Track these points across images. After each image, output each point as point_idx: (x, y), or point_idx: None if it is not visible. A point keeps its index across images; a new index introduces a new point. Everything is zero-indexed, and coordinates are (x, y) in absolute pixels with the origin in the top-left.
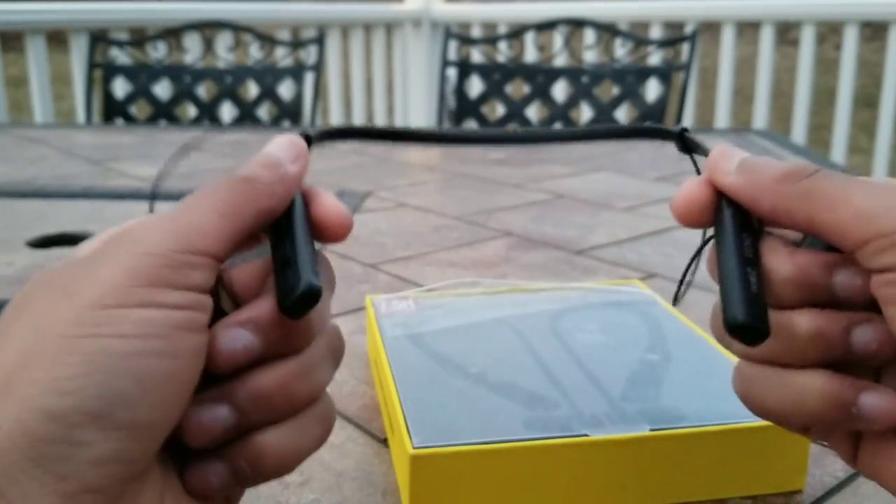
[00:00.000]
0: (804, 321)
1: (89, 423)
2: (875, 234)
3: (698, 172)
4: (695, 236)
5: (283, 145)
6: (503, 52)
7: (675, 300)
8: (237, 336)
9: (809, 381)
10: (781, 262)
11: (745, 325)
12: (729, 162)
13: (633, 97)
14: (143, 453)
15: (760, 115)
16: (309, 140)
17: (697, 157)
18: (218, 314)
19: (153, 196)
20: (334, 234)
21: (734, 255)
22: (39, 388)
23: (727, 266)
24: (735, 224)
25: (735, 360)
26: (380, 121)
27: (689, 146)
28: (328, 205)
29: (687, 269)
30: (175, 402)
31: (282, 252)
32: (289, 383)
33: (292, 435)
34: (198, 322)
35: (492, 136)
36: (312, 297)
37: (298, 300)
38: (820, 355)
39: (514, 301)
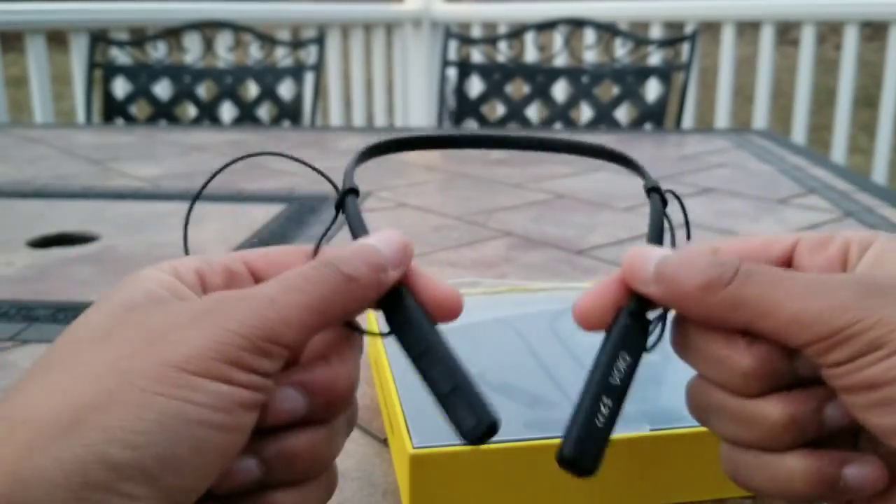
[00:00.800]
0: (775, 410)
1: (141, 479)
2: (813, 338)
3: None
4: (696, 236)
5: (393, 245)
6: (503, 52)
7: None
8: (289, 396)
9: (791, 463)
10: (741, 355)
11: (571, 461)
12: (644, 269)
13: (633, 97)
14: None
15: (760, 115)
16: (357, 193)
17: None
18: None
19: (192, 203)
20: (447, 316)
21: (596, 383)
22: (108, 436)
23: (583, 391)
24: (618, 339)
25: None
26: (379, 121)
27: (652, 199)
28: (439, 288)
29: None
30: (216, 472)
31: (436, 372)
32: (317, 448)
33: (302, 498)
34: (259, 402)
35: (505, 140)
36: (496, 431)
37: (486, 434)
38: (797, 439)
39: (514, 301)
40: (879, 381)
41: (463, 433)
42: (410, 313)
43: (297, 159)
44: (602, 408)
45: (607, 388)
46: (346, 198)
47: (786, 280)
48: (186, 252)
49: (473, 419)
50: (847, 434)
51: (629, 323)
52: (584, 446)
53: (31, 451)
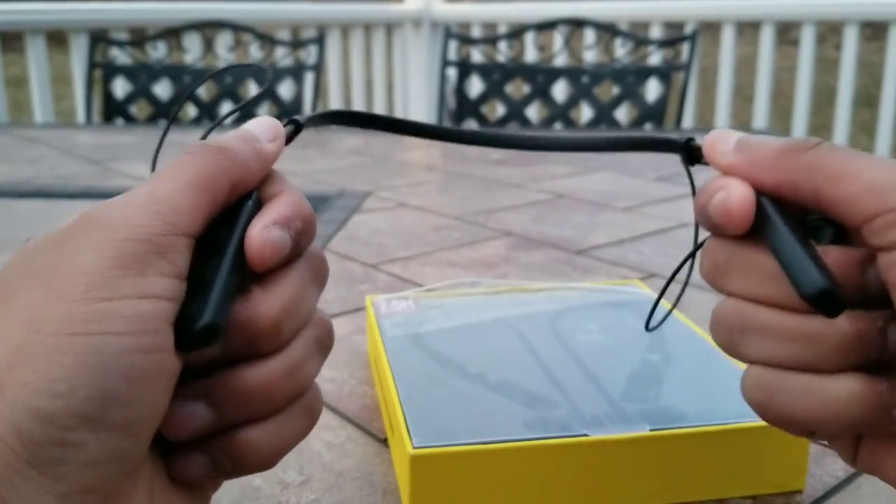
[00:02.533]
0: (843, 325)
1: (82, 424)
2: (883, 208)
3: (693, 193)
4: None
5: (261, 124)
6: (503, 52)
7: (656, 306)
8: None
9: (846, 387)
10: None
11: (827, 292)
12: (725, 143)
13: (633, 97)
14: (135, 450)
15: (760, 115)
16: (299, 126)
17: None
18: None
19: (158, 149)
20: (252, 264)
21: (792, 227)
22: (31, 390)
23: (787, 239)
24: (780, 207)
25: (738, 364)
26: None
27: (694, 157)
28: (254, 229)
29: (677, 271)
30: (164, 396)
31: (204, 267)
32: (269, 383)
33: (275, 431)
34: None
35: (488, 138)
36: (209, 336)
37: (193, 336)
38: (859, 359)
39: (514, 301)
40: None
41: (180, 331)
42: (240, 210)
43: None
44: (813, 248)
45: (804, 238)
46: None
47: (867, 154)
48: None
49: (194, 317)
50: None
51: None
52: (829, 276)
53: None
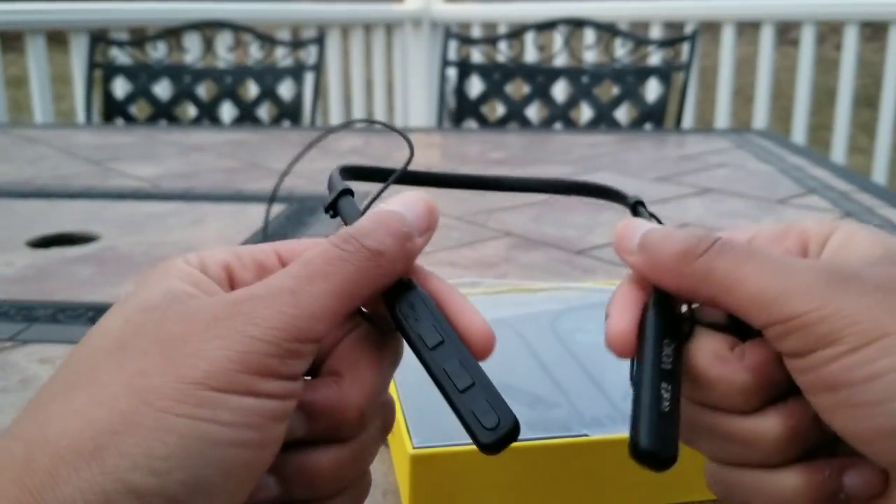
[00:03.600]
0: (774, 425)
1: None
2: (771, 320)
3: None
4: None
5: (417, 209)
6: (503, 52)
7: None
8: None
9: (789, 480)
10: (735, 371)
11: (649, 452)
12: (631, 240)
13: (633, 97)
14: None
15: (760, 115)
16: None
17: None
18: None
19: (272, 199)
20: (479, 356)
21: (650, 370)
22: (130, 462)
23: (640, 381)
24: (656, 331)
25: None
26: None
27: (638, 215)
28: (477, 325)
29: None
30: (247, 489)
31: (452, 366)
32: (340, 467)
33: None
34: (288, 411)
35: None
36: (516, 436)
37: (505, 439)
38: (797, 452)
39: (514, 301)
40: (838, 381)
41: (480, 433)
42: (425, 302)
43: (395, 129)
44: (664, 393)
45: (663, 374)
46: (341, 199)
47: (756, 257)
48: (266, 239)
49: (494, 418)
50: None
51: (657, 312)
52: (660, 434)
53: (55, 481)
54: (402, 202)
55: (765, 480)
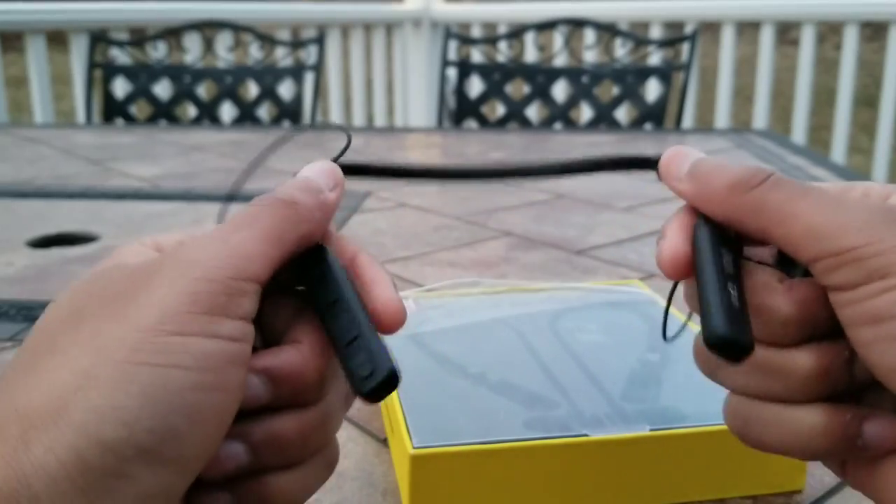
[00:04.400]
0: (807, 360)
1: (139, 456)
2: (823, 252)
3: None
4: None
5: (320, 171)
6: (503, 52)
7: (665, 336)
8: (250, 383)
9: (811, 417)
10: (781, 301)
11: (727, 339)
12: (679, 166)
13: (633, 97)
14: (182, 486)
15: (760, 115)
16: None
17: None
18: None
19: (230, 199)
20: (385, 327)
21: (713, 269)
22: (97, 416)
23: (706, 279)
24: (712, 239)
25: None
26: (380, 121)
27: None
28: (385, 296)
29: (668, 305)
30: (217, 436)
31: (341, 322)
32: (306, 432)
33: (301, 478)
34: (246, 355)
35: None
36: (394, 384)
37: (381, 386)
38: (824, 391)
39: (514, 301)
40: (883, 313)
41: (358, 383)
42: (329, 266)
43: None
44: (731, 290)
45: (727, 276)
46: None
47: (812, 192)
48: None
49: (369, 368)
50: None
51: (710, 227)
52: (735, 323)
53: (26, 444)
54: (309, 168)
55: (786, 415)
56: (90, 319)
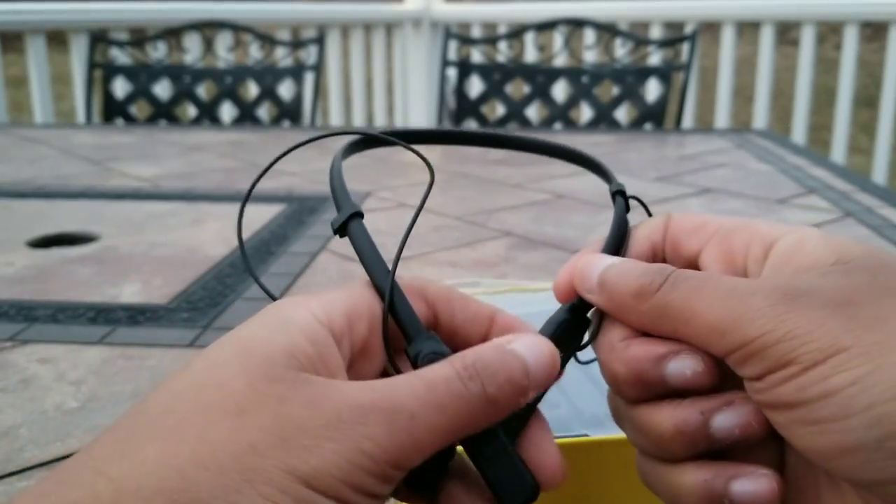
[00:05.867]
0: (662, 418)
1: None
2: (727, 348)
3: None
4: None
5: (542, 362)
6: (503, 52)
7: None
8: None
9: (681, 476)
10: (614, 362)
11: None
12: (590, 278)
13: (633, 97)
14: None
15: (760, 115)
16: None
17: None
18: None
19: (245, 201)
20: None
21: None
22: None
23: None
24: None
25: None
26: (380, 121)
27: (616, 203)
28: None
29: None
30: None
31: (487, 445)
32: None
33: None
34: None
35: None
36: (536, 497)
37: (530, 498)
38: (686, 450)
39: (514, 301)
40: (793, 400)
41: (505, 497)
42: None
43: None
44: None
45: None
46: (351, 224)
47: (707, 286)
48: (272, 297)
49: (517, 483)
50: (771, 447)
51: (566, 318)
52: (520, 483)
53: None
54: (531, 348)
55: (663, 472)
56: (252, 432)
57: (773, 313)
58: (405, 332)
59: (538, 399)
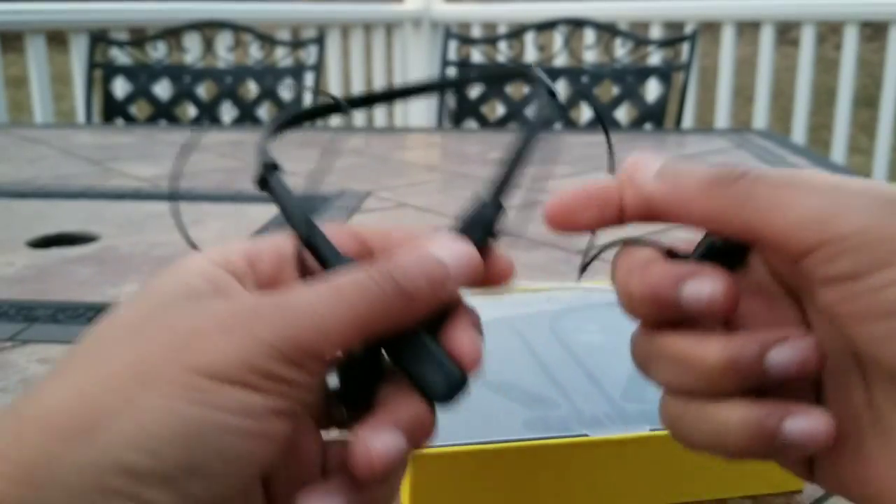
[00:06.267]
0: (712, 350)
1: (160, 484)
2: (817, 241)
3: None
4: (696, 236)
5: (461, 260)
6: (503, 52)
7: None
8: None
9: (728, 413)
10: (631, 283)
11: (455, 391)
12: (646, 169)
13: (633, 97)
14: None
15: (760, 115)
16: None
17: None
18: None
19: (172, 196)
20: (500, 280)
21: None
22: (126, 441)
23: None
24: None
25: None
26: (380, 121)
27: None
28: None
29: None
30: (246, 479)
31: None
32: None
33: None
34: (292, 411)
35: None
36: (466, 385)
37: (456, 389)
38: (736, 384)
39: (514, 301)
40: (892, 308)
41: (432, 392)
42: (425, 349)
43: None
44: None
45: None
46: (269, 176)
47: (803, 178)
48: (192, 246)
49: (441, 377)
50: (807, 387)
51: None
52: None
53: (47, 456)
54: (449, 250)
55: (706, 412)
56: (143, 343)
57: (881, 211)
58: (323, 262)
59: (460, 298)
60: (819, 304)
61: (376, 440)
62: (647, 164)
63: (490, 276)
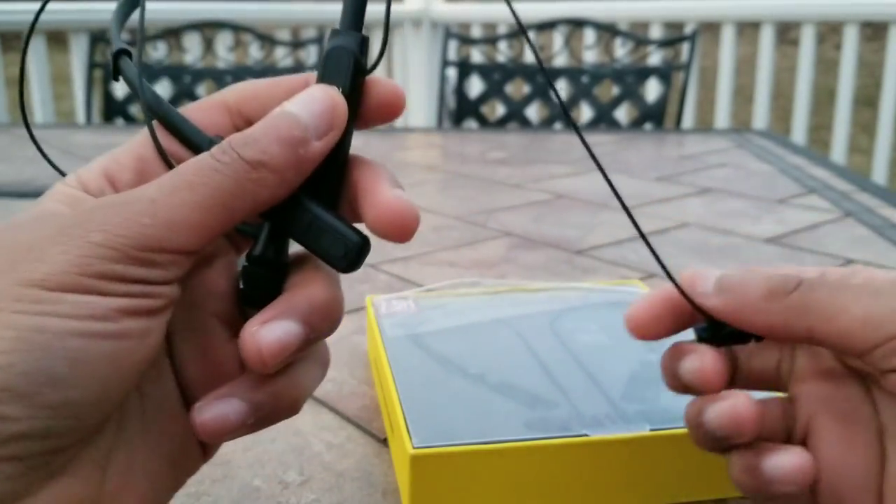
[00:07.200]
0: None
1: (14, 399)
2: (880, 339)
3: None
4: (696, 236)
5: (315, 108)
6: (503, 52)
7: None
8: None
9: (731, 462)
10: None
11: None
12: (704, 283)
13: (633, 97)
14: (72, 429)
15: (760, 115)
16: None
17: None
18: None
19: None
20: (390, 113)
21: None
22: None
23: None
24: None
25: None
26: None
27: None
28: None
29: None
30: (115, 382)
31: (300, 217)
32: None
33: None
34: (149, 307)
35: None
36: (367, 250)
37: (358, 258)
38: (704, 444)
39: (514, 301)
40: None
41: (335, 263)
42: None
43: None
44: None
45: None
46: (119, 62)
47: (850, 285)
48: (60, 172)
49: (341, 246)
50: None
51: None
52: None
53: None
54: (301, 100)
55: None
56: None
57: None
58: (191, 147)
59: (341, 153)
60: (887, 388)
61: (264, 329)
62: (704, 279)
63: (375, 112)
